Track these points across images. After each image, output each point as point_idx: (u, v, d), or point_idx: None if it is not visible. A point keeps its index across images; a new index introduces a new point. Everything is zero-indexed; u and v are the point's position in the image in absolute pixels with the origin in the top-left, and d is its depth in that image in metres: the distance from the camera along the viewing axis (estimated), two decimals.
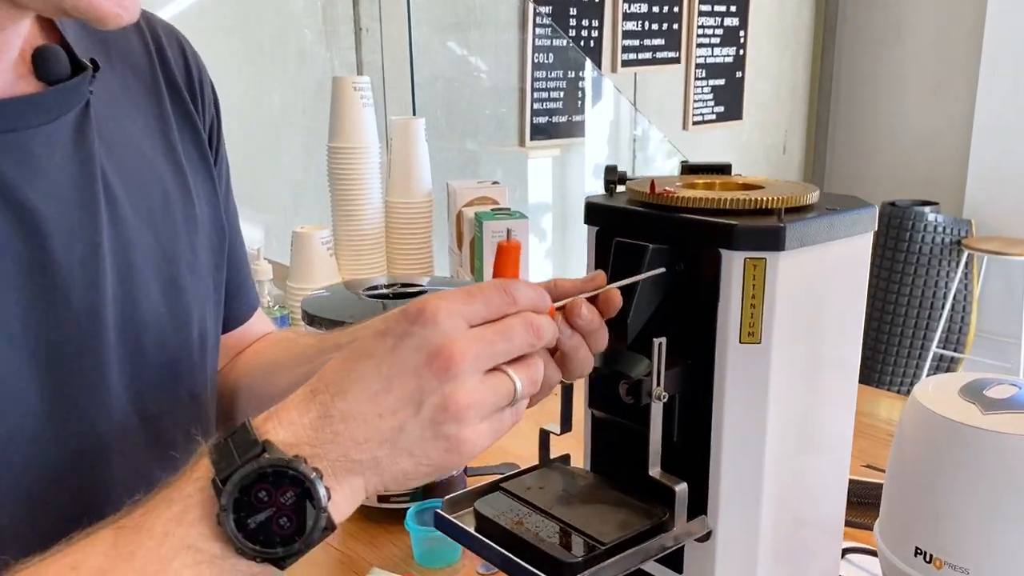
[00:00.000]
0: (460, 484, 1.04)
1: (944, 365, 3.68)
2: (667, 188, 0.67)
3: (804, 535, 0.72)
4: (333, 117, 1.46)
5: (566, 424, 0.71)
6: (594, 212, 0.72)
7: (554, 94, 3.22)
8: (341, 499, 0.52)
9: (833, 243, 0.66)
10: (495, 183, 1.58)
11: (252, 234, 2.32)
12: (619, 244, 0.66)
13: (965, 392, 0.59)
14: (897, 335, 3.64)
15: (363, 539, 0.99)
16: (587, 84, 3.37)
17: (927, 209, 3.68)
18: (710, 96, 3.85)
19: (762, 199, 0.64)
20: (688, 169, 0.79)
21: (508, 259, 0.62)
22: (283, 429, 0.51)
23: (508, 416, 0.55)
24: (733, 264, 0.62)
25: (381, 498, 1.00)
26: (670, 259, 0.65)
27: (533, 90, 3.16)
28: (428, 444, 0.52)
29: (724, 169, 0.78)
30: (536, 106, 3.18)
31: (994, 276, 3.79)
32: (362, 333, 0.57)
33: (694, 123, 3.83)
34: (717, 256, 0.63)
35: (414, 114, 2.62)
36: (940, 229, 3.63)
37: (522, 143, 3.17)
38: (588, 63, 3.35)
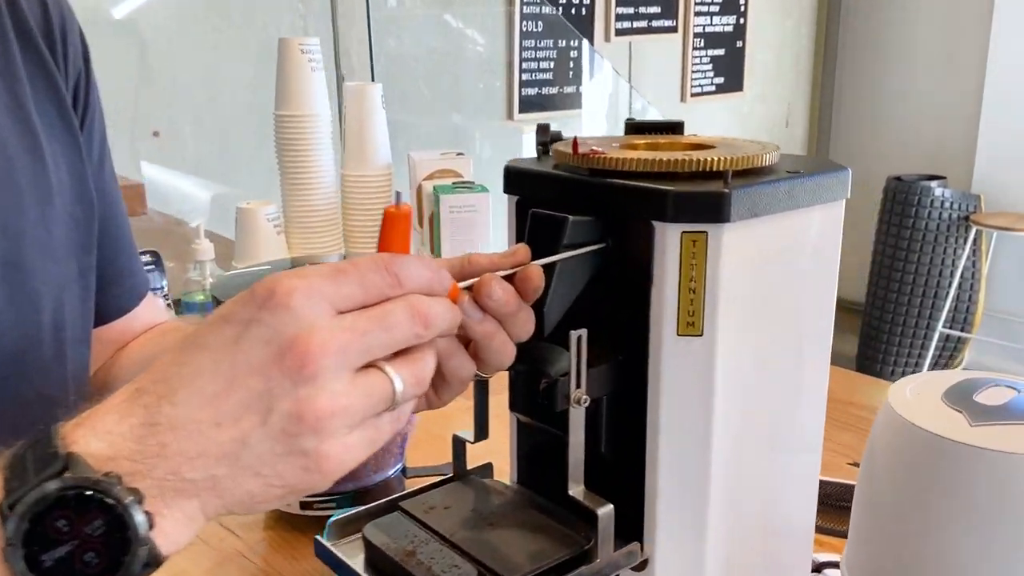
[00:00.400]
0: (398, 487, 0.93)
1: (950, 346, 3.55)
2: (594, 148, 0.56)
3: (765, 553, 0.61)
4: (279, 82, 1.35)
5: (481, 430, 0.60)
6: (513, 179, 0.60)
7: (544, 64, 3.09)
8: (172, 526, 0.41)
9: (794, 213, 0.54)
10: (460, 154, 1.46)
11: (195, 209, 2.21)
12: (535, 216, 0.55)
13: (951, 396, 0.48)
14: (901, 315, 3.52)
15: (284, 551, 0.89)
16: (583, 56, 3.23)
17: (934, 184, 3.54)
18: (709, 67, 3.71)
19: (705, 160, 0.53)
20: (633, 128, 0.67)
21: (396, 230, 0.51)
22: (96, 439, 0.40)
23: (387, 424, 0.44)
24: (667, 239, 0.51)
25: (303, 504, 0.89)
26: (595, 233, 0.54)
27: (522, 60, 3.03)
28: (279, 461, 0.41)
29: (675, 128, 0.66)
30: (525, 77, 3.04)
31: (1003, 253, 3.65)
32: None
33: (692, 95, 3.69)
34: (649, 229, 0.51)
35: (372, 80, 2.49)
36: (947, 204, 3.49)
37: (510, 116, 3.03)
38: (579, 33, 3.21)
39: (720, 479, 0.54)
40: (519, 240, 0.58)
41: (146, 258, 1.27)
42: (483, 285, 0.48)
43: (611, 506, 0.52)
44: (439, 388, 0.51)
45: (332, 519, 0.56)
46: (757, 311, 0.54)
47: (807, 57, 4.17)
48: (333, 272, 0.42)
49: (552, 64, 3.13)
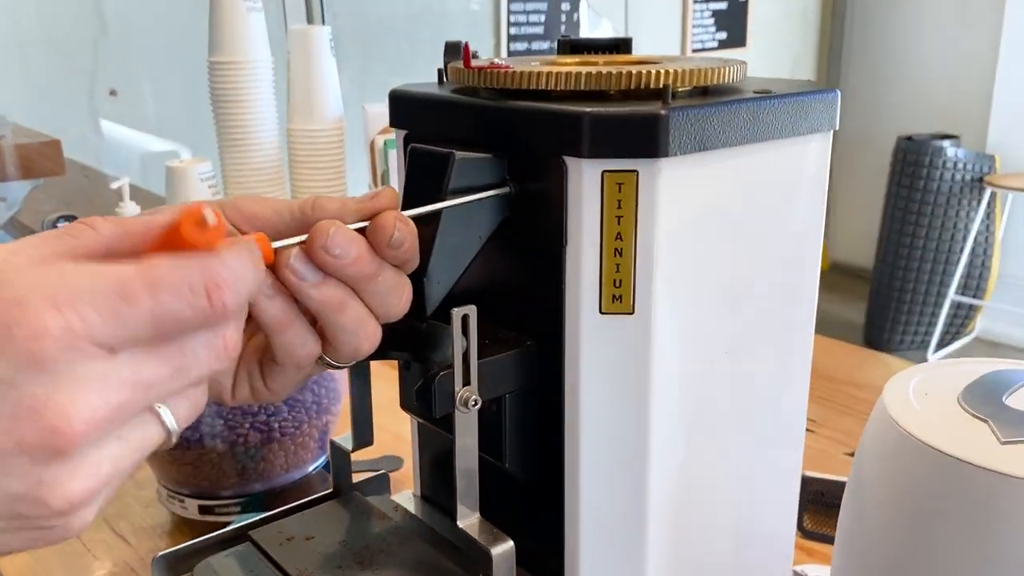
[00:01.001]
0: (319, 486, 0.80)
1: (961, 314, 3.39)
2: (495, 62, 0.41)
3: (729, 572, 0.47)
4: (212, 25, 1.20)
5: (362, 434, 0.47)
6: (398, 107, 0.46)
7: (534, 19, 2.91)
8: None
9: (760, 147, 0.40)
10: None
11: (124, 168, 2.07)
12: (413, 153, 0.41)
13: (972, 398, 0.34)
14: (911, 282, 3.35)
15: None
16: (575, 9, 3.06)
17: (947, 143, 3.36)
18: (711, 21, 3.52)
19: (640, 74, 0.38)
20: (568, 47, 0.53)
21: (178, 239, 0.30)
22: None
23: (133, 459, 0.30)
24: (584, 181, 0.37)
25: (203, 508, 0.76)
26: (493, 175, 0.40)
27: (510, 13, 2.86)
28: (8, 536, 0.28)
29: (620, 46, 0.52)
30: (513, 31, 2.87)
31: (1019, 216, 3.48)
32: None
33: (693, 50, 3.51)
34: (561, 168, 0.38)
35: (323, 23, 2.32)
36: (961, 165, 3.32)
37: None
38: None
39: (661, 501, 0.41)
40: (406, 181, 0.44)
41: (64, 224, 1.14)
42: (317, 234, 0.34)
43: (510, 543, 0.39)
44: (268, 372, 0.37)
45: (159, 555, 0.43)
46: (708, 279, 0.40)
47: (814, 10, 3.97)
48: (115, 295, 0.27)
49: (543, 18, 2.96)
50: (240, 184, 1.25)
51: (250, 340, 0.38)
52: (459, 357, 0.38)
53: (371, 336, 0.36)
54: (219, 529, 0.75)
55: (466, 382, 0.38)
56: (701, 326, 0.40)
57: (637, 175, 0.36)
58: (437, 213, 0.38)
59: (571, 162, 0.37)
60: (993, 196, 3.29)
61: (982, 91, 3.58)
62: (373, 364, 0.45)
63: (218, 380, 0.37)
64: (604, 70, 0.39)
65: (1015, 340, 3.42)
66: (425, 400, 0.38)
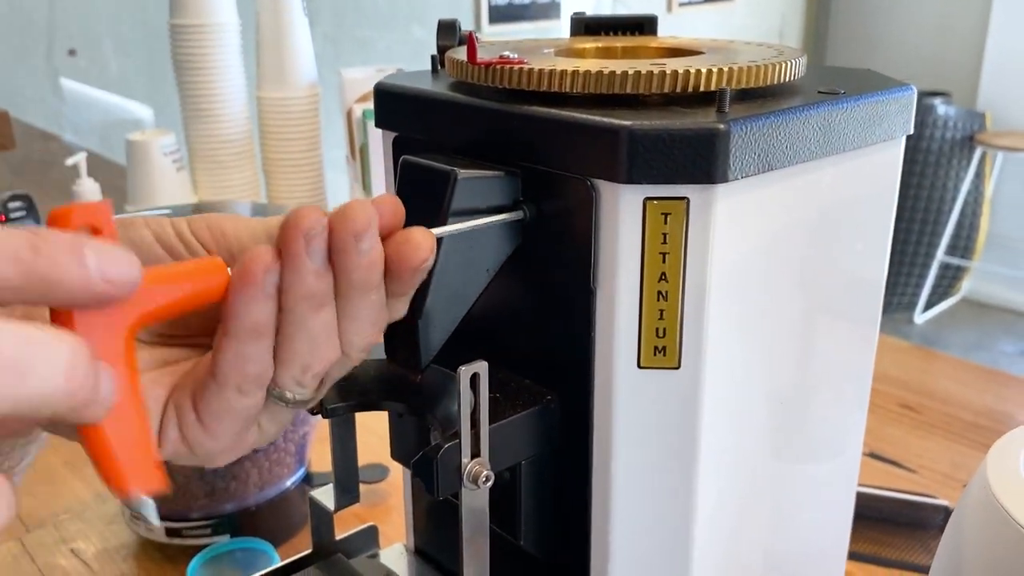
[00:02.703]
0: (299, 503, 0.73)
1: (949, 275, 3.36)
2: (506, 55, 0.34)
3: None
4: None
5: (345, 492, 0.40)
6: (385, 105, 0.39)
7: None
8: None
9: (832, 160, 0.33)
10: (399, 70, 1.23)
11: (86, 133, 1.95)
12: (405, 166, 0.33)
13: None
14: (899, 243, 3.31)
15: None
16: None
17: (937, 100, 3.29)
18: None
19: (688, 73, 0.31)
20: (585, 27, 0.45)
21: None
22: None
23: None
24: (622, 210, 0.30)
25: (170, 531, 0.69)
26: (504, 196, 0.33)
27: None
28: None
29: (644, 25, 0.44)
30: None
31: (1010, 175, 3.43)
32: None
33: (680, 4, 3.40)
34: (590, 194, 0.30)
35: None
36: (951, 124, 3.26)
37: (478, 29, 2.76)
38: None
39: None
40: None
41: (16, 204, 1.05)
42: (349, 218, 0.27)
43: None
44: (202, 405, 0.28)
45: None
46: (767, 323, 0.33)
47: None
48: None
49: None
50: (207, 158, 1.16)
51: (176, 368, 0.30)
52: (467, 423, 0.31)
53: (324, 358, 0.28)
54: (188, 552, 0.68)
55: (475, 453, 0.31)
56: (757, 380, 0.33)
57: (687, 203, 0.29)
58: (439, 239, 0.31)
59: (604, 186, 0.30)
60: (984, 154, 3.24)
61: (973, 46, 3.50)
62: None
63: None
64: (643, 68, 0.31)
65: (1003, 301, 3.40)
66: (425, 476, 0.31)
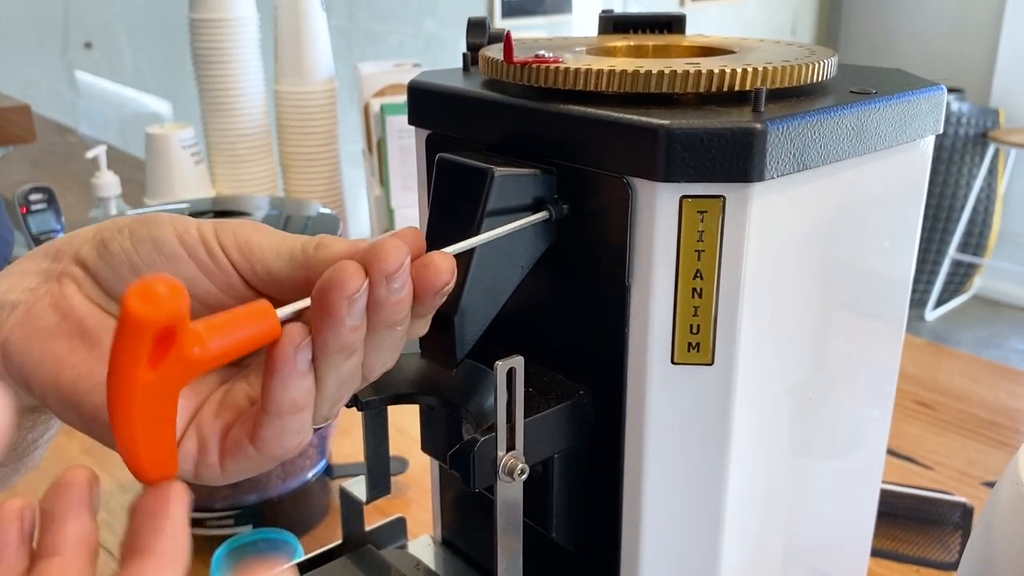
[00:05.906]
0: (320, 494, 0.74)
1: (961, 272, 3.35)
2: (541, 54, 0.34)
3: None
4: None
5: (378, 482, 0.40)
6: (419, 102, 0.39)
7: None
8: None
9: (865, 159, 0.33)
10: (416, 65, 1.23)
11: (102, 127, 1.96)
12: (442, 165, 0.34)
13: None
14: None
15: None
16: None
17: (951, 97, 3.28)
18: None
19: (724, 73, 0.31)
20: (613, 24, 0.46)
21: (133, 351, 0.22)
22: None
23: None
24: (658, 209, 0.30)
25: (194, 520, 0.70)
26: (540, 194, 0.33)
27: None
28: None
29: (672, 23, 0.45)
30: None
31: (1023, 172, 3.42)
32: None
33: (692, 0, 3.40)
34: (625, 193, 0.31)
35: None
36: (964, 120, 3.24)
37: (491, 23, 2.75)
38: None
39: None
40: (431, 198, 0.37)
41: (36, 196, 1.06)
42: (379, 258, 0.27)
43: None
44: (228, 461, 0.28)
45: None
46: (799, 319, 0.33)
47: None
48: None
49: None
50: (224, 151, 1.17)
51: (202, 386, 0.30)
52: (503, 416, 0.31)
53: (350, 391, 0.29)
54: (211, 542, 0.69)
55: (511, 446, 0.32)
56: (787, 376, 0.34)
57: (724, 202, 0.30)
58: (471, 247, 0.31)
59: (640, 184, 0.30)
60: (997, 151, 3.23)
61: (987, 42, 3.49)
62: None
63: None
64: (677, 67, 0.32)
65: (1014, 299, 3.39)
66: (462, 469, 0.31)
